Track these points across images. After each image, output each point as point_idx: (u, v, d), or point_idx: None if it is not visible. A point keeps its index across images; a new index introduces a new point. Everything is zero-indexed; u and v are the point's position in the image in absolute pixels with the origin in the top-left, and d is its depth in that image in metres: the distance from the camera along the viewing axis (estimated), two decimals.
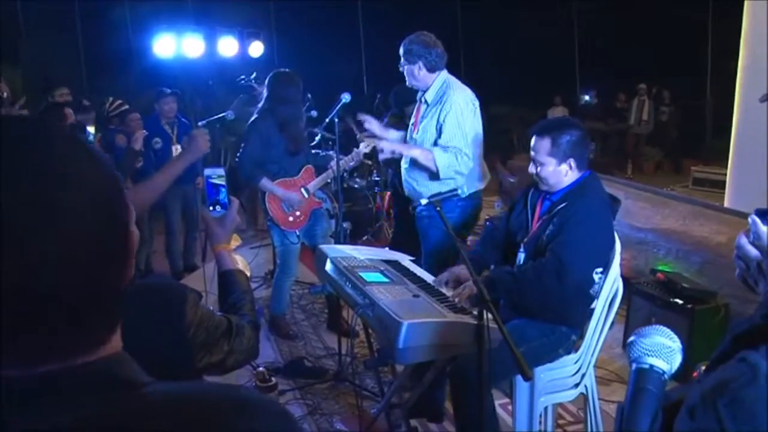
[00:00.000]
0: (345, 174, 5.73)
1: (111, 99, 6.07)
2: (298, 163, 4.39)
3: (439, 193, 2.86)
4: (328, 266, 2.90)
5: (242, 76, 6.81)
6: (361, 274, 2.67)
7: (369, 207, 6.81)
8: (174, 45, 9.25)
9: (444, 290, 2.72)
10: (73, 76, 10.19)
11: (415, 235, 5.19)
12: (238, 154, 4.36)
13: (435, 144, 3.60)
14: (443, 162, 3.51)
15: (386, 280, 2.67)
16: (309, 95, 5.82)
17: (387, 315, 2.21)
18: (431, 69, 3.66)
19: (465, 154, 3.53)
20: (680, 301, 3.94)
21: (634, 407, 0.93)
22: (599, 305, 2.81)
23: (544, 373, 2.76)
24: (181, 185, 5.61)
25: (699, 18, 11.85)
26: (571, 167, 2.78)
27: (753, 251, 1.04)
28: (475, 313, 2.22)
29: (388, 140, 3.90)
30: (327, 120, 3.94)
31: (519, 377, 2.62)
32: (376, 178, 6.85)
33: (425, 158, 3.55)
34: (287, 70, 4.44)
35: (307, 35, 11.67)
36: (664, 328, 1.02)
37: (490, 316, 2.11)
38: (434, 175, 3.59)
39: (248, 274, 1.80)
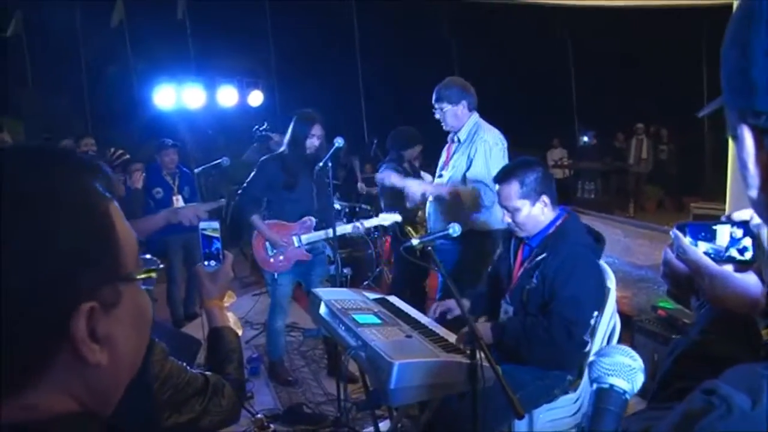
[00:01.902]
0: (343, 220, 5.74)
1: (113, 149, 6.15)
2: (299, 211, 4.33)
3: (431, 234, 2.87)
4: (322, 309, 2.88)
5: (257, 126, 6.91)
6: (354, 316, 2.65)
7: (369, 252, 6.81)
8: (174, 96, 9.39)
9: (434, 327, 2.71)
10: (78, 128, 10.35)
11: (414, 278, 5.20)
12: (242, 187, 4.40)
13: (464, 176, 3.77)
14: (469, 195, 3.68)
15: (379, 321, 2.65)
16: None
17: (378, 356, 2.19)
18: (471, 108, 3.87)
19: (489, 189, 3.62)
20: None
21: (594, 428, 0.92)
22: (596, 342, 2.79)
23: (542, 414, 2.72)
24: (181, 233, 5.64)
25: (694, 51, 11.95)
26: (546, 204, 2.73)
27: (681, 266, 1.03)
28: (468, 352, 2.21)
29: (418, 183, 3.99)
30: (321, 164, 3.94)
31: (516, 422, 2.59)
32: None
33: (453, 194, 3.73)
34: (309, 110, 4.37)
35: (308, 83, 11.85)
36: (626, 347, 1.01)
37: (482, 355, 2.10)
38: (456, 216, 3.64)
39: (239, 332, 1.75)
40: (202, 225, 1.77)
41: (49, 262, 0.62)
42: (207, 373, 1.49)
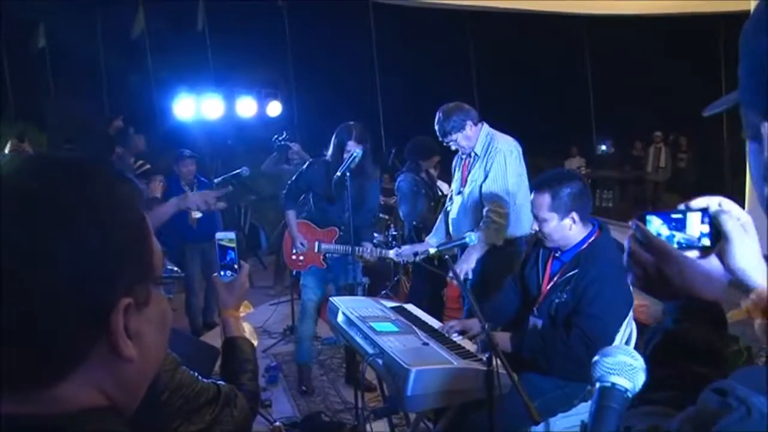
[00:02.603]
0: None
1: (134, 159, 6.24)
2: (329, 220, 4.40)
3: (448, 242, 2.89)
4: (340, 318, 2.92)
5: (276, 136, 6.96)
6: (372, 324, 2.69)
7: (387, 262, 6.81)
8: (194, 106, 9.47)
9: (454, 338, 2.73)
10: (99, 138, 10.49)
11: (432, 287, 5.21)
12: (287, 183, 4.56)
13: (480, 187, 3.78)
14: (495, 232, 3.68)
15: (396, 329, 2.68)
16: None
17: (395, 363, 2.22)
18: (476, 122, 3.86)
19: (506, 201, 3.69)
20: None
21: (596, 425, 0.94)
22: None
23: (559, 421, 2.73)
24: (199, 243, 5.72)
25: (712, 59, 11.85)
26: (574, 221, 2.70)
27: (647, 255, 1.03)
28: (484, 359, 2.23)
29: (461, 267, 3.71)
30: (339, 173, 3.95)
31: (533, 429, 2.60)
32: (394, 233, 6.88)
33: (481, 246, 3.66)
34: (351, 123, 4.40)
35: (326, 93, 11.92)
36: (628, 347, 1.03)
37: (499, 361, 2.12)
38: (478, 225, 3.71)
39: (255, 342, 1.73)
40: (219, 236, 1.78)
41: (102, 258, 0.67)
42: (220, 383, 1.48)
